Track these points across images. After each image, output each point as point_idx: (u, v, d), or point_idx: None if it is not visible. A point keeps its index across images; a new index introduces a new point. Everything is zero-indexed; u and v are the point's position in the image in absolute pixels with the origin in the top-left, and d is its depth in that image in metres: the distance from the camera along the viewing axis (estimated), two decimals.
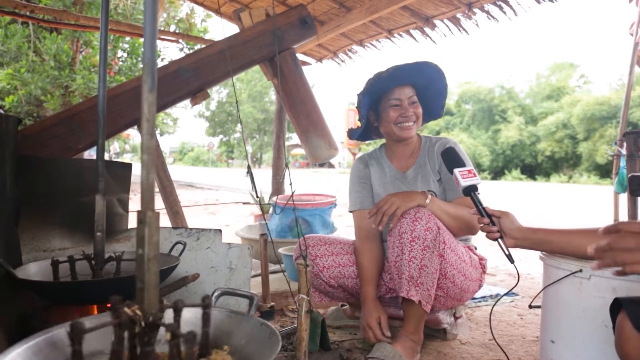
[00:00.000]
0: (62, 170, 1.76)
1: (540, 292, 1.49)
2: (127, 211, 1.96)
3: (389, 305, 1.87)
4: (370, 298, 1.78)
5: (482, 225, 1.41)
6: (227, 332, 0.89)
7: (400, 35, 3.81)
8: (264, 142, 40.24)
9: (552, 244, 1.34)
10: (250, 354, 0.84)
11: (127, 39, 8.82)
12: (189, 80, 2.09)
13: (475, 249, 1.93)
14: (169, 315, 0.75)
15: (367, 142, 2.27)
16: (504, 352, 1.61)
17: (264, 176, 6.27)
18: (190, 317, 0.88)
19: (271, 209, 3.56)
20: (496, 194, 12.51)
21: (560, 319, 1.37)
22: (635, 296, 1.12)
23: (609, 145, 4.15)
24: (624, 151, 3.27)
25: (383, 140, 2.07)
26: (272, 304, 2.12)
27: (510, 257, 1.36)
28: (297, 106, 2.18)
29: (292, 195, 1.72)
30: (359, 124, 1.95)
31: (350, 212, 2.00)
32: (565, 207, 9.72)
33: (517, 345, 1.87)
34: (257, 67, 2.39)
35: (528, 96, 30.97)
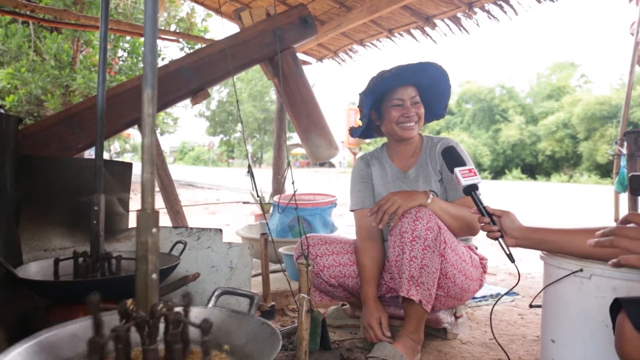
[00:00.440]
0: (63, 170, 1.76)
1: (540, 291, 1.49)
2: (127, 210, 1.96)
3: (390, 305, 1.87)
4: (371, 297, 1.78)
5: (482, 224, 1.41)
6: (227, 331, 0.89)
7: (401, 35, 3.81)
8: (265, 141, 40.25)
9: (553, 244, 1.34)
10: (250, 353, 0.84)
11: (128, 38, 8.82)
12: (189, 79, 2.09)
13: (476, 248, 1.93)
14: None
15: (367, 142, 2.27)
16: (505, 352, 1.61)
17: (264, 176, 6.28)
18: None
19: (271, 209, 3.56)
20: (497, 194, 12.51)
21: (560, 318, 1.37)
22: (636, 296, 1.12)
23: (610, 144, 4.15)
24: (624, 151, 3.27)
25: (384, 140, 2.07)
26: (273, 303, 2.12)
27: (510, 257, 1.36)
28: (298, 105, 2.18)
29: (294, 194, 1.71)
30: (359, 123, 1.95)
31: (352, 211, 2.00)
32: (565, 206, 9.71)
33: (518, 345, 1.87)
34: (257, 67, 2.39)
35: (528, 96, 30.96)
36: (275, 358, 0.76)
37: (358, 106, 1.90)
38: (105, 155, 1.48)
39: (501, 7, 3.04)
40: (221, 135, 43.66)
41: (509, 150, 27.73)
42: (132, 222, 1.48)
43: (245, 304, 1.15)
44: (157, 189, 0.92)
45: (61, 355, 0.77)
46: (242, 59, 2.16)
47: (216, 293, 1.16)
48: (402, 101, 1.84)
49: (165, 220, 2.41)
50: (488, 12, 3.11)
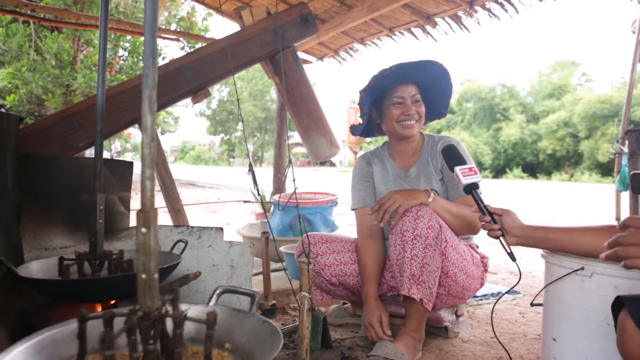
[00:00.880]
0: (64, 169, 1.76)
1: (541, 290, 1.49)
2: (128, 209, 1.96)
3: (391, 304, 1.87)
4: (372, 296, 1.78)
5: (483, 223, 1.41)
6: (228, 329, 0.89)
7: (402, 34, 3.80)
8: (265, 140, 40.24)
9: (554, 242, 1.34)
10: (251, 351, 0.85)
11: (128, 37, 8.81)
12: (190, 78, 2.09)
13: (477, 247, 1.93)
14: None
15: (368, 140, 2.27)
16: (506, 350, 1.61)
17: (265, 175, 6.28)
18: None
19: (272, 207, 3.56)
20: (497, 193, 12.49)
21: (561, 316, 1.37)
22: (638, 294, 1.11)
23: (611, 143, 4.14)
24: (625, 149, 3.27)
25: (385, 139, 2.07)
26: (274, 302, 2.12)
27: (511, 255, 1.36)
28: (299, 104, 2.18)
29: (294, 192, 1.71)
30: (360, 121, 1.94)
31: (353, 210, 2.00)
32: (566, 205, 9.70)
33: (519, 343, 1.87)
34: (258, 66, 2.38)
35: (529, 94, 30.89)
36: (276, 356, 0.76)
37: (358, 104, 1.90)
38: (106, 155, 1.48)
39: (502, 6, 3.04)
40: (222, 135, 43.65)
41: (509, 149, 27.69)
42: (133, 221, 1.48)
43: (247, 302, 1.15)
44: (157, 188, 0.92)
45: (62, 354, 0.78)
46: (243, 58, 2.16)
47: (217, 292, 1.16)
48: (402, 99, 1.83)
49: (166, 219, 2.41)
50: (489, 10, 3.11)
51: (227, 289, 1.18)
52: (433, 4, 3.27)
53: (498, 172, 27.77)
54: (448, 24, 3.41)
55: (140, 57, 8.92)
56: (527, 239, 1.36)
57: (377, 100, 1.91)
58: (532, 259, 3.49)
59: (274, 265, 2.73)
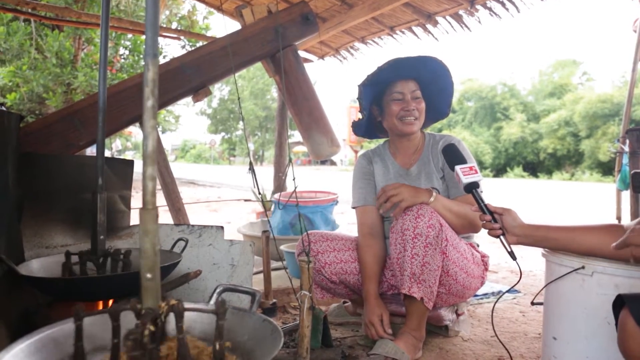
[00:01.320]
0: (64, 167, 1.76)
1: (542, 289, 1.48)
2: (129, 208, 1.96)
3: (391, 302, 1.87)
4: (372, 295, 1.78)
5: (484, 222, 1.41)
6: (229, 328, 0.89)
7: (403, 32, 3.80)
8: (266, 139, 40.23)
9: (555, 241, 1.34)
10: (252, 350, 0.85)
11: (129, 36, 8.81)
12: (190, 77, 2.09)
13: (478, 246, 1.93)
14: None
15: (368, 139, 2.27)
16: (506, 349, 1.61)
17: (265, 173, 6.28)
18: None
19: (273, 206, 3.56)
20: (498, 192, 12.48)
21: (562, 315, 1.37)
22: (639, 293, 1.11)
23: (612, 142, 4.14)
24: (626, 148, 3.27)
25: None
26: (274, 300, 2.12)
27: (512, 254, 1.36)
28: (299, 103, 2.18)
29: (294, 191, 1.71)
30: (360, 116, 1.94)
31: (353, 208, 2.00)
32: (567, 204, 9.70)
33: (519, 342, 1.87)
34: (258, 64, 2.39)
35: (530, 93, 30.85)
36: (276, 355, 0.76)
37: (357, 98, 1.90)
38: (107, 153, 1.48)
39: (503, 5, 3.04)
40: (222, 133, 43.64)
41: (510, 148, 27.66)
42: (134, 219, 1.48)
43: (247, 301, 1.15)
44: (158, 186, 0.92)
45: (63, 352, 0.78)
46: (244, 57, 2.16)
47: (218, 290, 1.16)
48: (402, 95, 1.83)
49: (166, 217, 2.41)
50: (490, 9, 3.11)
51: (228, 287, 1.18)
52: (434, 3, 3.27)
53: (499, 171, 27.74)
54: (449, 22, 3.41)
55: (141, 56, 8.92)
56: (528, 238, 1.36)
57: (378, 97, 1.91)
58: (532, 258, 3.49)
59: (274, 264, 2.74)
